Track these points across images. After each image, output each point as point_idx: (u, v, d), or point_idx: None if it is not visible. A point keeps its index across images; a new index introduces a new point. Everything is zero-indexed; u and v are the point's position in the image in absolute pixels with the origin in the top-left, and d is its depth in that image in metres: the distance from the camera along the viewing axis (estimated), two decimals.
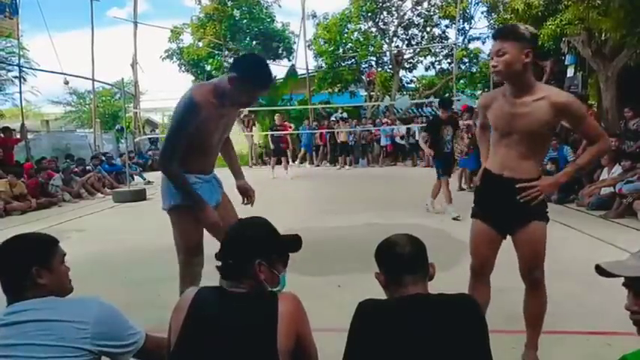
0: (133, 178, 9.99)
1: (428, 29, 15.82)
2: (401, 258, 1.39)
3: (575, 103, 1.93)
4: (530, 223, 2.03)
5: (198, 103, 1.96)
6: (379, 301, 1.38)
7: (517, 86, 1.93)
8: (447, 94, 15.46)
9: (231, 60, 15.82)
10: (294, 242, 1.49)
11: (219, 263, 1.38)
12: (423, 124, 13.29)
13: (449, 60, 15.48)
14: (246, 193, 2.45)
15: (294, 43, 16.42)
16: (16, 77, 14.90)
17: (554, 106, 1.87)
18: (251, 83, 2.01)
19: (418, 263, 1.40)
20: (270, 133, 12.08)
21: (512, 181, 1.99)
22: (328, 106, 16.26)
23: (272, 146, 11.86)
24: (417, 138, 13.46)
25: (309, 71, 15.54)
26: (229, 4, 15.27)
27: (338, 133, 13.03)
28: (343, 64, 15.70)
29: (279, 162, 11.17)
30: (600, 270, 1.14)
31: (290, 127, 12.94)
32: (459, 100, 14.08)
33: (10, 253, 1.36)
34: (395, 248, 1.41)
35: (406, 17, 15.85)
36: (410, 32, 16.03)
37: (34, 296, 1.31)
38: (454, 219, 5.39)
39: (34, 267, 1.32)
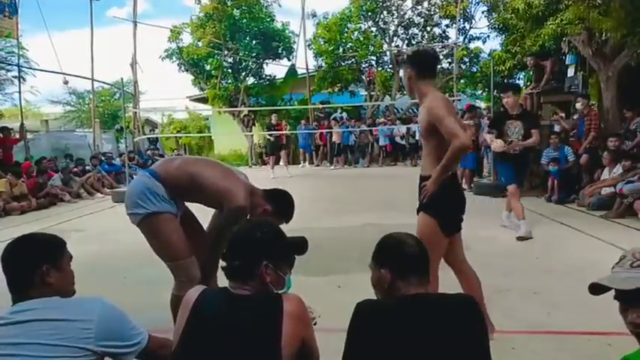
0: (133, 178, 9.97)
1: (428, 29, 15.79)
2: (412, 257, 1.39)
3: (434, 107, 2.25)
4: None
5: (247, 207, 2.28)
6: (378, 302, 1.38)
7: (418, 99, 2.41)
8: (446, 94, 15.44)
9: (230, 60, 15.85)
10: (300, 244, 1.49)
11: (225, 264, 1.38)
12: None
13: (449, 60, 15.44)
14: None
15: (294, 42, 16.38)
16: (15, 77, 14.90)
17: (425, 109, 2.29)
18: (280, 217, 2.37)
19: (425, 262, 1.41)
20: (267, 133, 12.19)
21: (421, 178, 2.37)
22: (328, 106, 16.25)
23: (269, 142, 12.03)
24: (417, 138, 13.52)
25: (309, 71, 15.52)
26: (229, 3, 15.22)
27: (332, 133, 13.18)
28: (343, 64, 15.67)
29: (277, 161, 11.28)
30: (595, 289, 1.12)
31: (286, 127, 13.07)
32: (459, 100, 14.08)
33: (22, 250, 1.39)
34: (405, 247, 1.41)
35: (406, 17, 15.82)
36: (410, 32, 16.00)
37: (40, 296, 1.32)
38: (521, 238, 4.49)
39: (44, 265, 1.35)
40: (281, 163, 11.46)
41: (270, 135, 11.81)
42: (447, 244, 2.35)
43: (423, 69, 2.37)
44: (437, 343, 1.22)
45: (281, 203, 2.41)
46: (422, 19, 15.72)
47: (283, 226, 1.51)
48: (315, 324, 1.56)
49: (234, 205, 2.21)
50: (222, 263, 1.39)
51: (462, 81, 15.55)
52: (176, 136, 19.22)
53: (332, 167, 13.13)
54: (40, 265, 1.35)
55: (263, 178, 10.62)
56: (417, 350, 1.22)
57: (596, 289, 1.13)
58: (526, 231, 4.56)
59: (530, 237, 4.53)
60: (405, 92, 16.84)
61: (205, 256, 2.32)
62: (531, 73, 9.93)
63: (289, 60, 16.50)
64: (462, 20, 14.79)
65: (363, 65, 16.10)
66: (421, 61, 2.41)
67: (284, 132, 12.06)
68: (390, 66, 16.21)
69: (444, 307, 1.32)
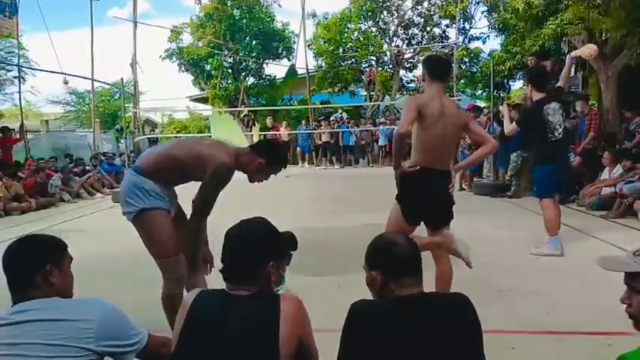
0: None
1: (428, 29, 15.81)
2: (402, 258, 1.37)
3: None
4: None
5: (233, 166, 2.28)
6: (372, 302, 1.38)
7: None
8: (446, 94, 15.42)
9: (230, 60, 15.86)
10: (292, 240, 1.51)
11: (224, 267, 1.37)
12: None
13: (449, 60, 15.46)
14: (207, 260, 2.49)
15: (294, 42, 16.40)
16: (15, 77, 14.90)
17: None
18: (274, 167, 2.40)
19: (416, 262, 1.40)
20: (262, 134, 12.32)
21: None
22: (328, 106, 16.26)
23: None
24: None
25: (309, 71, 15.53)
26: (229, 3, 15.25)
27: (321, 133, 13.31)
28: (343, 64, 15.69)
29: None
30: (608, 264, 1.17)
31: (286, 128, 13.20)
32: (459, 100, 14.07)
33: (26, 250, 1.40)
34: (396, 248, 1.39)
35: (406, 17, 15.84)
36: (410, 32, 16.02)
37: (41, 296, 1.33)
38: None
39: (48, 265, 1.36)
40: None
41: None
42: (409, 233, 2.40)
43: (431, 71, 2.58)
44: (431, 343, 1.22)
45: (271, 152, 2.39)
46: (422, 19, 15.74)
47: (282, 229, 1.51)
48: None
49: (217, 163, 2.18)
50: (220, 267, 1.38)
51: (462, 81, 15.55)
52: (176, 136, 19.19)
53: (326, 167, 13.21)
54: (44, 265, 1.35)
55: None
56: (411, 350, 1.21)
57: (609, 265, 1.17)
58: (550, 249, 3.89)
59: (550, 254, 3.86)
60: (404, 92, 16.97)
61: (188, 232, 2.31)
62: None
63: (289, 60, 16.53)
64: (461, 20, 14.80)
65: (363, 65, 16.12)
66: (430, 64, 2.64)
67: (280, 132, 12.15)
68: (390, 66, 16.22)
69: (438, 307, 1.32)
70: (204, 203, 2.24)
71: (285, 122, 14.51)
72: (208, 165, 2.19)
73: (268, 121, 12.42)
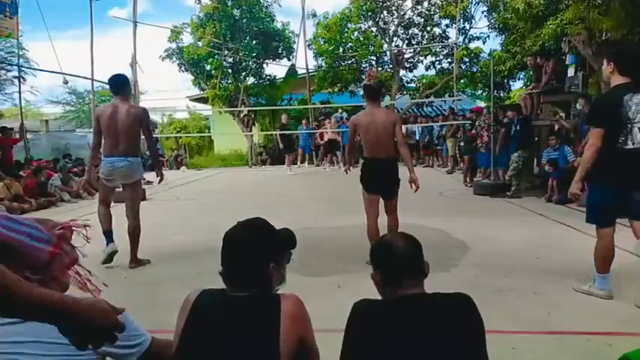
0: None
1: (428, 29, 15.78)
2: (399, 260, 1.37)
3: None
4: None
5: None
6: (374, 302, 1.37)
7: None
8: (447, 94, 15.42)
9: (230, 59, 15.84)
10: (291, 238, 1.50)
11: (224, 270, 1.36)
12: (425, 125, 13.35)
13: (449, 59, 15.44)
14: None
15: (294, 42, 16.39)
16: (15, 77, 14.91)
17: None
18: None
19: (415, 264, 1.39)
20: (280, 132, 12.48)
21: None
22: (328, 105, 16.25)
23: (282, 145, 12.52)
24: (417, 138, 13.50)
25: (309, 71, 15.52)
26: (229, 3, 15.24)
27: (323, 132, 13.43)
28: (343, 64, 15.68)
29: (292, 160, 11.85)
30: None
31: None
32: (460, 100, 14.06)
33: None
34: (392, 249, 1.39)
35: (406, 17, 15.82)
36: (410, 32, 15.99)
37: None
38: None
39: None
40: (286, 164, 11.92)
41: (281, 138, 12.38)
42: (374, 200, 3.75)
43: (366, 95, 3.90)
44: (432, 343, 1.22)
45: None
46: (422, 19, 15.71)
47: (283, 226, 1.51)
48: None
49: (142, 111, 4.06)
50: (220, 269, 1.38)
51: (462, 81, 15.54)
52: (176, 136, 19.22)
53: (328, 168, 13.22)
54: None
55: (263, 177, 10.64)
56: (412, 350, 1.21)
57: None
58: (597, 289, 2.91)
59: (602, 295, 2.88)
60: (404, 92, 16.96)
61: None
62: (531, 73, 9.95)
63: (289, 60, 16.51)
64: (462, 20, 14.78)
65: (363, 65, 16.09)
66: (365, 91, 3.97)
67: (300, 131, 12.49)
68: (390, 66, 16.21)
69: (439, 306, 1.31)
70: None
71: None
72: (143, 117, 3.90)
73: (284, 117, 12.65)
